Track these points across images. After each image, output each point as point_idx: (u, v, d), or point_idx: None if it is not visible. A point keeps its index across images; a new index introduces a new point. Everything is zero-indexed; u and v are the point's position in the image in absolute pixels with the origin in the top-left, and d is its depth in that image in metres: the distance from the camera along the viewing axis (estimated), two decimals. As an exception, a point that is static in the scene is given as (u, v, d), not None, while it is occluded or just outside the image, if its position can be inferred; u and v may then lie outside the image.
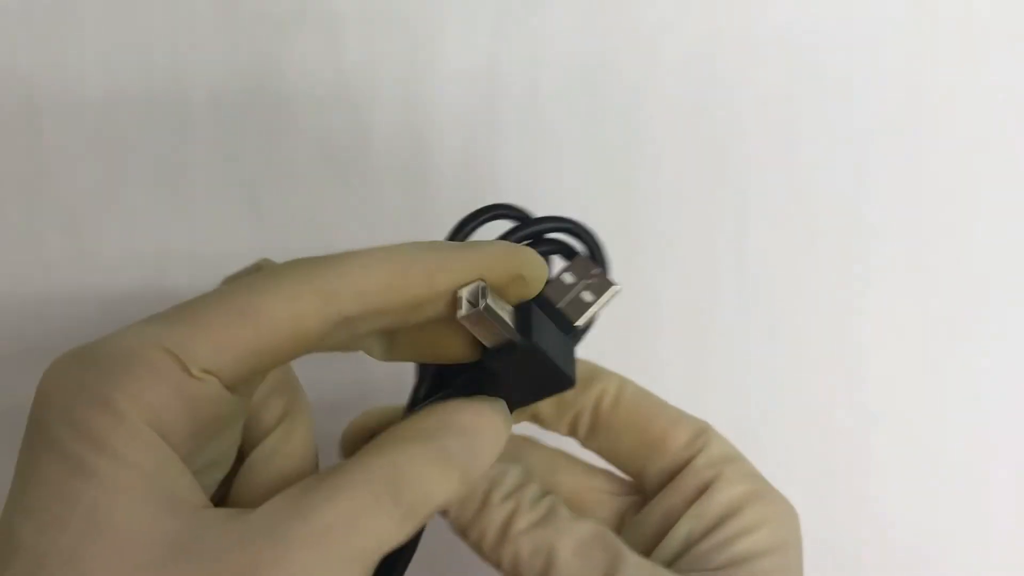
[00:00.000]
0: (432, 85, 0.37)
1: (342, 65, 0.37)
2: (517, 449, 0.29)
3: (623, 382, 0.28)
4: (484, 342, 0.23)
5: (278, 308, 0.20)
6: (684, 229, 0.39)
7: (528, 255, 0.23)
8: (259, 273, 0.21)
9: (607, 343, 0.38)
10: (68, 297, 0.37)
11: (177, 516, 0.19)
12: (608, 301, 0.26)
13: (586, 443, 0.28)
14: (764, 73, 0.38)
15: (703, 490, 0.26)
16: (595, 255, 0.27)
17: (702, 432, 0.27)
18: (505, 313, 0.22)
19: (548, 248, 0.26)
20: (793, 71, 0.38)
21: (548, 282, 0.25)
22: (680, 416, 0.28)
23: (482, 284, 0.22)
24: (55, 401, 0.20)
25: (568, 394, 0.27)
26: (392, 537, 0.21)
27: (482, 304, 0.21)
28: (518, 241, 0.26)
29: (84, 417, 0.19)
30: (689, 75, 0.38)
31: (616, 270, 0.39)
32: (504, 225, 0.27)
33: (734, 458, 0.27)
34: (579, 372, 0.27)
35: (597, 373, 0.28)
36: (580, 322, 0.25)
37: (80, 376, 0.20)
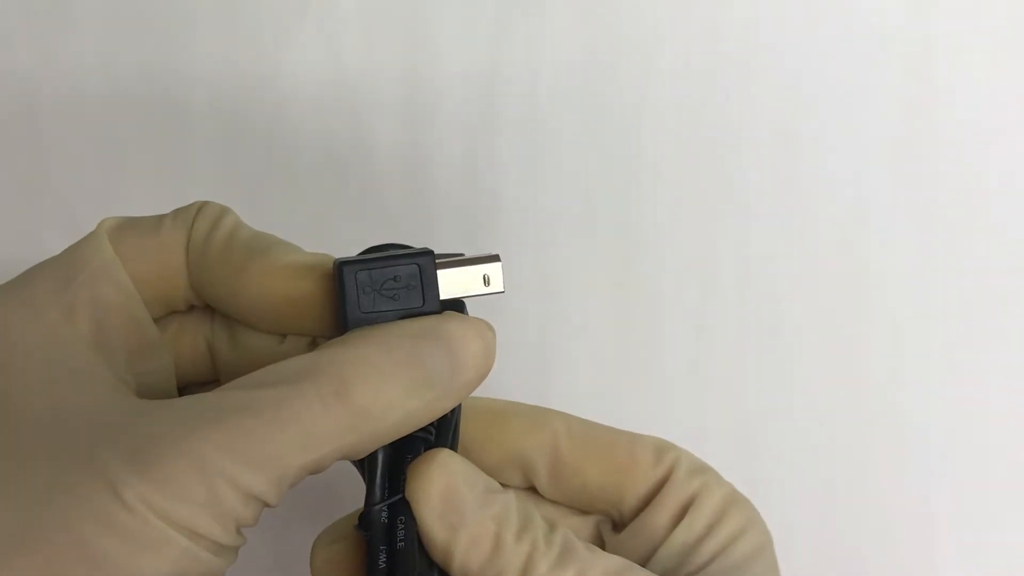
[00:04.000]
0: (432, 86, 0.37)
1: (342, 65, 0.37)
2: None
3: (568, 417, 0.26)
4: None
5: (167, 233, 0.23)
6: (685, 229, 0.39)
7: None
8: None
9: (607, 344, 0.38)
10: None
11: (87, 393, 0.21)
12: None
13: (548, 488, 0.26)
14: (764, 74, 0.38)
15: (690, 502, 0.25)
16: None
17: (664, 447, 0.26)
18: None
19: None
20: (793, 72, 0.38)
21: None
22: (633, 436, 0.26)
23: None
24: None
25: (518, 442, 0.26)
26: (332, 443, 0.20)
27: None
28: None
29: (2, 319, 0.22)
30: (689, 76, 0.38)
31: (617, 270, 0.39)
32: None
33: (704, 467, 0.26)
34: (521, 416, 0.26)
35: (539, 414, 0.26)
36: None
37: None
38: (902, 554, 0.39)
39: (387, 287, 0.22)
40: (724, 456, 0.28)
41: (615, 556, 0.23)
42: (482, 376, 0.22)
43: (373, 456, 0.23)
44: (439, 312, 0.22)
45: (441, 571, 0.23)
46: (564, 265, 0.38)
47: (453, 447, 0.24)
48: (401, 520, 0.22)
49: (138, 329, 0.23)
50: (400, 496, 0.23)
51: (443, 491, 0.22)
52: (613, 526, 0.27)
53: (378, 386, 0.20)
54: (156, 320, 0.24)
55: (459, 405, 0.24)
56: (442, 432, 0.24)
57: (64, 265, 0.23)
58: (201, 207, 0.24)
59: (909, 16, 0.39)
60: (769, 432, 0.39)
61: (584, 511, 0.27)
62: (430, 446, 0.23)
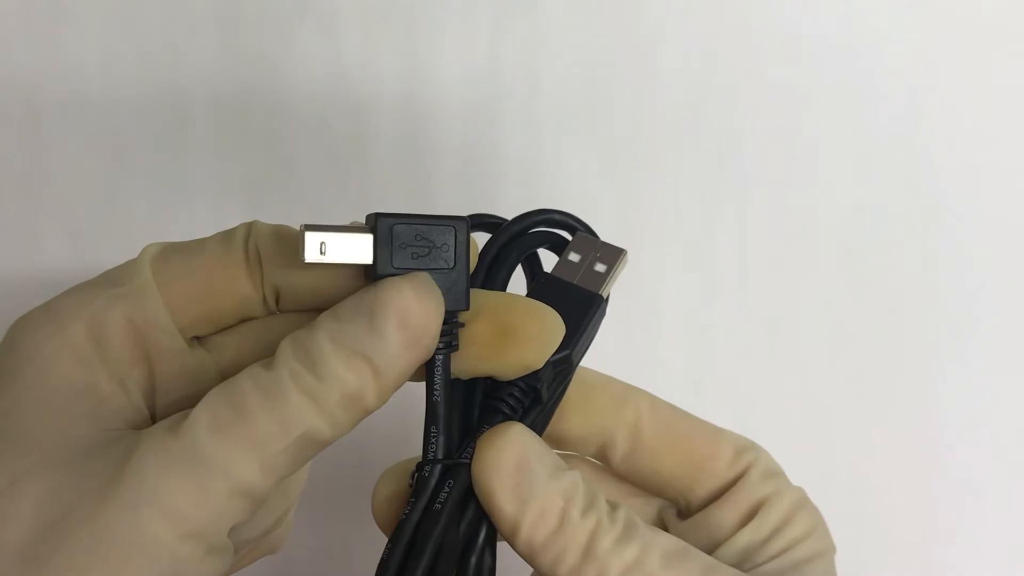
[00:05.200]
0: (432, 85, 0.37)
1: (342, 65, 0.37)
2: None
3: (654, 400, 0.27)
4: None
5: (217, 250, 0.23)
6: (685, 229, 0.39)
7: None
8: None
9: (608, 344, 0.38)
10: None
11: (88, 427, 0.21)
12: (621, 267, 0.25)
13: (622, 466, 0.27)
14: (765, 71, 0.38)
15: (760, 504, 0.26)
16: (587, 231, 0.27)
17: (745, 447, 0.27)
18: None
19: (535, 240, 0.26)
20: (794, 69, 0.38)
21: (557, 264, 0.25)
22: (716, 431, 0.27)
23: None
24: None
25: (603, 416, 0.26)
26: (302, 424, 0.20)
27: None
28: (505, 243, 0.26)
29: (25, 334, 0.22)
30: (690, 74, 0.38)
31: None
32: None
33: (778, 471, 0.27)
34: (610, 391, 0.26)
35: (627, 392, 0.27)
36: (603, 292, 0.25)
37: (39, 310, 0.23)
38: (901, 553, 0.39)
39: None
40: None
41: (676, 538, 0.23)
42: (414, 335, 0.21)
43: (430, 416, 0.23)
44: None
45: (470, 545, 0.23)
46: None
47: (537, 425, 0.24)
48: (449, 483, 0.23)
49: (168, 355, 0.23)
50: (456, 461, 0.23)
51: (515, 464, 0.23)
52: (677, 513, 0.27)
53: (320, 369, 0.21)
54: (207, 337, 0.24)
55: (562, 390, 0.25)
56: (529, 411, 0.24)
57: (98, 283, 0.23)
58: (251, 223, 0.24)
59: (910, 14, 0.39)
60: (769, 432, 0.39)
61: (651, 494, 0.27)
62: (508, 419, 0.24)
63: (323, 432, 0.21)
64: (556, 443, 0.26)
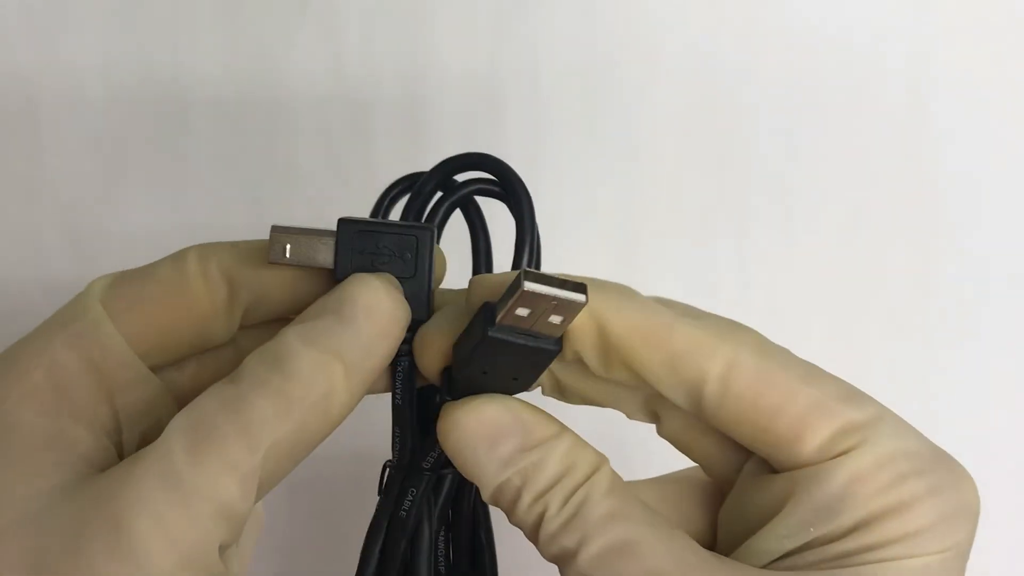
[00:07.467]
0: (432, 85, 0.37)
1: (342, 65, 0.37)
2: None
3: (738, 356, 0.22)
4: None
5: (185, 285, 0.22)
6: (685, 228, 0.39)
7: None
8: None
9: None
10: (67, 296, 0.37)
11: (60, 476, 0.20)
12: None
13: (707, 415, 0.22)
14: (766, 70, 0.38)
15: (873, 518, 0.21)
16: (506, 182, 0.25)
17: (853, 429, 0.21)
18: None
19: (468, 190, 0.25)
20: (795, 68, 0.38)
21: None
22: (818, 404, 0.21)
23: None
24: None
25: (675, 365, 0.22)
26: (273, 431, 0.20)
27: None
28: (425, 201, 0.25)
29: None
30: (690, 73, 0.38)
31: (617, 270, 0.39)
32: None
33: (909, 470, 0.22)
34: (679, 342, 0.22)
35: (697, 346, 0.22)
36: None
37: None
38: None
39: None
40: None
41: (631, 526, 0.21)
42: (387, 329, 0.21)
43: (395, 419, 0.23)
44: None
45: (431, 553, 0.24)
46: (563, 265, 0.38)
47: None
48: (412, 492, 0.24)
49: (129, 387, 0.22)
50: (418, 467, 0.24)
51: (456, 442, 0.22)
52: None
53: (292, 370, 0.20)
54: (169, 365, 0.24)
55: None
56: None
57: (51, 326, 0.22)
58: (200, 245, 0.24)
59: (908, 13, 0.39)
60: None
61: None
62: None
63: (296, 439, 0.20)
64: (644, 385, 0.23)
